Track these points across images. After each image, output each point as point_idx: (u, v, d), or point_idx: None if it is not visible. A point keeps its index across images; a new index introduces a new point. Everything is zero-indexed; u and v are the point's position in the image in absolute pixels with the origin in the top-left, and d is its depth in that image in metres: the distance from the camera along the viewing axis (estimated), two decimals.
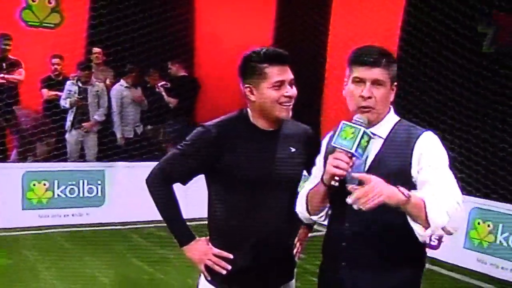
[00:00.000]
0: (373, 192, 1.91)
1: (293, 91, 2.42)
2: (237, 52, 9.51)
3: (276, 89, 2.38)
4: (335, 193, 2.13)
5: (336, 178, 2.05)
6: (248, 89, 2.43)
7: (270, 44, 9.88)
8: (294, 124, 2.58)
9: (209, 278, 2.48)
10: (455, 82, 6.77)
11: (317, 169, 2.37)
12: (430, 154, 2.14)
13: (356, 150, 2.03)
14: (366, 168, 2.18)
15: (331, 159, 2.07)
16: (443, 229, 2.01)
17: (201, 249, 2.48)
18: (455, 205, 2.02)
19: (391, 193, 1.94)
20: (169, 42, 8.88)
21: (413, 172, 2.14)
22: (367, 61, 2.18)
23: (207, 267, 2.47)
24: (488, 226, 6.24)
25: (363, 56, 2.20)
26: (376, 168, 2.16)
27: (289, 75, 2.40)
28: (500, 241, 6.16)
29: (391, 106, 2.29)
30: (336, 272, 2.26)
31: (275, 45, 9.66)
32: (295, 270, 2.67)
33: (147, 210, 7.37)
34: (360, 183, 1.96)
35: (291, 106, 2.42)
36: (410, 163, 2.13)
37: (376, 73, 2.18)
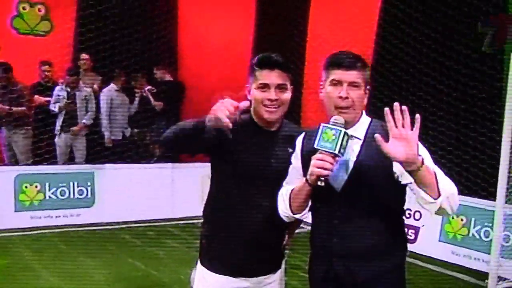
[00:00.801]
0: (411, 143, 2.00)
1: (279, 95, 2.45)
2: (218, 55, 9.61)
3: (261, 91, 2.46)
4: (320, 191, 2.18)
5: (322, 178, 2.11)
6: (247, 88, 2.55)
7: (250, 46, 9.97)
8: (295, 128, 2.63)
9: (230, 125, 2.28)
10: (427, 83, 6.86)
11: (293, 168, 2.42)
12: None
13: (339, 151, 2.10)
14: (349, 170, 2.24)
15: (315, 161, 2.12)
16: (449, 200, 2.06)
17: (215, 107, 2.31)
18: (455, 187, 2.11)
19: (415, 155, 2.01)
20: (153, 47, 8.88)
21: (395, 168, 2.18)
22: (344, 63, 2.24)
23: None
24: (462, 220, 6.36)
25: (340, 60, 2.26)
26: (359, 169, 2.23)
27: (275, 79, 2.44)
28: (472, 234, 6.28)
29: (363, 110, 2.35)
30: (329, 265, 2.31)
31: (254, 48, 9.86)
32: (283, 263, 2.72)
33: (136, 210, 7.48)
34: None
35: (276, 109, 2.47)
36: (391, 160, 2.13)
37: (353, 75, 2.23)
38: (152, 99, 8.46)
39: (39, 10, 8.62)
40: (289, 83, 2.50)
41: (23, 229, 6.98)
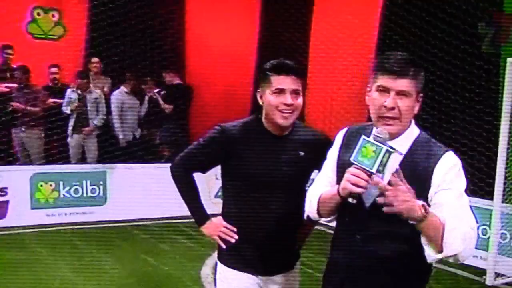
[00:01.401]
0: (400, 197, 1.80)
1: (294, 100, 2.44)
2: (224, 59, 9.65)
3: (276, 96, 2.44)
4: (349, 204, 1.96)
5: (354, 194, 1.89)
6: (259, 94, 2.53)
7: (255, 50, 10.05)
8: (307, 130, 2.63)
9: (224, 246, 2.60)
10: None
11: (328, 164, 2.22)
12: (449, 177, 1.95)
13: (377, 170, 1.84)
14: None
15: (348, 175, 1.88)
16: (454, 256, 1.86)
17: (213, 224, 2.64)
18: (471, 232, 1.89)
19: (412, 206, 1.81)
20: (162, 52, 8.97)
21: (430, 193, 1.96)
22: (393, 70, 1.95)
23: (222, 241, 2.61)
24: None
25: (390, 64, 1.97)
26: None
27: (291, 85, 2.44)
28: None
29: (413, 119, 2.07)
30: (345, 278, 2.13)
31: (258, 52, 9.93)
32: (299, 262, 2.73)
33: (146, 208, 7.57)
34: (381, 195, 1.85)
35: (291, 114, 2.46)
36: (430, 185, 1.94)
37: (402, 83, 1.95)
38: (161, 102, 8.55)
39: (53, 15, 8.74)
40: (301, 89, 2.50)
41: (39, 226, 7.07)
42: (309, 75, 9.15)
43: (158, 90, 8.72)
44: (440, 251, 1.86)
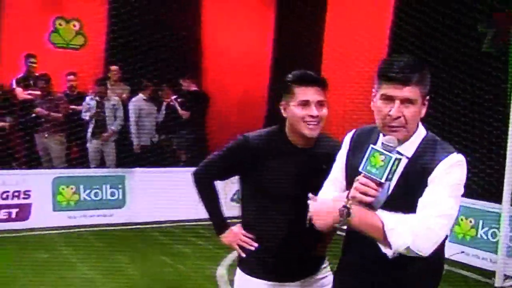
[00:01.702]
0: (316, 217, 1.93)
1: (319, 112, 2.39)
2: (240, 65, 9.79)
3: (302, 107, 2.39)
4: None
5: (363, 204, 1.86)
6: (282, 106, 2.47)
7: (270, 57, 10.14)
8: (330, 141, 2.55)
9: (243, 254, 2.59)
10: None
11: (337, 167, 2.21)
12: (441, 177, 1.90)
13: (386, 178, 1.82)
14: (390, 190, 1.97)
15: (358, 184, 1.85)
16: (407, 249, 1.84)
17: (233, 233, 2.62)
18: (429, 221, 1.84)
19: (324, 221, 1.93)
20: (179, 59, 9.12)
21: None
22: (397, 78, 1.87)
23: (241, 249, 2.60)
24: (470, 222, 6.44)
25: (393, 72, 1.88)
26: (400, 191, 1.96)
27: (316, 96, 2.39)
28: (480, 235, 6.36)
29: (419, 122, 2.01)
30: (356, 280, 2.14)
31: (273, 58, 10.00)
32: (325, 264, 2.68)
33: (163, 211, 7.68)
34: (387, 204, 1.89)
35: (317, 125, 2.40)
36: (427, 183, 1.91)
37: (407, 91, 1.87)
38: (178, 108, 8.69)
39: (74, 25, 8.95)
40: (325, 99, 2.44)
41: (61, 227, 7.24)
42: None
43: (175, 97, 8.87)
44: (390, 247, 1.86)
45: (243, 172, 2.56)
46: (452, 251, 6.46)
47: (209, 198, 2.67)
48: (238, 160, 2.53)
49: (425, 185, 1.89)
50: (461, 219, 6.47)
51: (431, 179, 1.90)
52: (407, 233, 1.82)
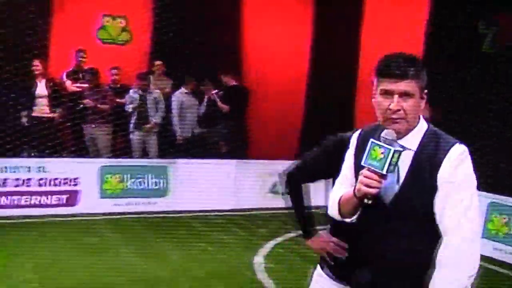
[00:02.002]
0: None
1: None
2: (279, 61, 9.85)
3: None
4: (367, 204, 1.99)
5: (369, 196, 1.93)
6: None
7: (308, 53, 10.20)
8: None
9: (331, 262, 2.50)
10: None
11: (346, 167, 2.22)
12: (453, 172, 1.96)
13: (387, 171, 1.89)
14: (400, 182, 2.01)
15: (362, 178, 1.93)
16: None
17: (321, 239, 2.55)
18: (465, 248, 1.93)
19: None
20: (220, 55, 9.28)
21: (439, 184, 1.98)
22: (393, 73, 1.97)
23: (328, 255, 2.52)
24: (504, 218, 6.44)
25: (390, 68, 1.98)
26: (410, 183, 2.00)
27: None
28: None
29: (421, 115, 2.08)
30: (360, 273, 2.15)
31: (312, 54, 10.08)
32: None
33: (204, 200, 7.90)
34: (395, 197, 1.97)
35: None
36: (437, 179, 1.97)
37: (404, 85, 1.96)
38: (219, 102, 8.89)
39: (120, 22, 9.20)
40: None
41: (108, 214, 7.54)
42: (359, 73, 9.28)
43: (216, 91, 9.06)
44: None
45: (335, 172, 2.32)
46: (485, 247, 6.48)
47: (299, 200, 2.62)
48: (331, 160, 2.37)
49: (433, 177, 1.96)
50: (495, 216, 6.47)
51: (441, 177, 1.97)
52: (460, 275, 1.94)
